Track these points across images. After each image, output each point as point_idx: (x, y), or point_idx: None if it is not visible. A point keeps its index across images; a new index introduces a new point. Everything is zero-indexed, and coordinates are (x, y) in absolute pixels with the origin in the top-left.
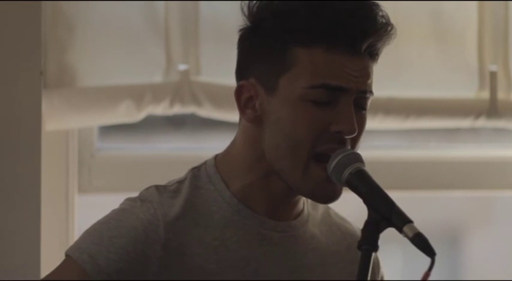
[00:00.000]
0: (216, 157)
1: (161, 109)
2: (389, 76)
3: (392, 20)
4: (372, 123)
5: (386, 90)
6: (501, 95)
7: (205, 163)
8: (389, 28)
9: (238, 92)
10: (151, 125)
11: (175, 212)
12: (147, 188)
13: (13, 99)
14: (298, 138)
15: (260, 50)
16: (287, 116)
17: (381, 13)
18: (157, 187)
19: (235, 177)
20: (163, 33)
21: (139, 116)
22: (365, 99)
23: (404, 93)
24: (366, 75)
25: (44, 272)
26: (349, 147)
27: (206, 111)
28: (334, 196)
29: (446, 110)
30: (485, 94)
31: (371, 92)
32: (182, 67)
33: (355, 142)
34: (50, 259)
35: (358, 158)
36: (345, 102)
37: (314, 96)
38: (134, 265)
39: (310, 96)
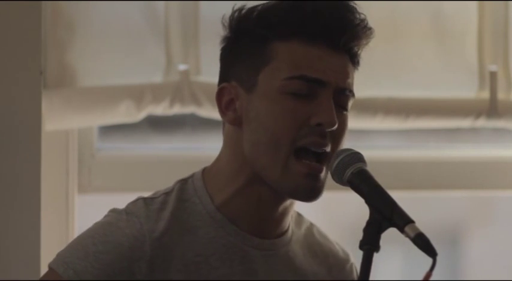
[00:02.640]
0: (204, 169)
1: (161, 109)
2: (389, 76)
3: (392, 20)
4: (372, 123)
5: (386, 90)
6: (501, 95)
7: (193, 175)
8: (366, 27)
9: (219, 95)
10: (151, 125)
11: (161, 228)
12: (135, 201)
13: (13, 99)
14: (278, 131)
15: (240, 51)
16: (266, 110)
17: (356, 12)
18: (144, 200)
19: (220, 189)
20: (163, 33)
21: (139, 116)
22: (345, 97)
23: (404, 93)
24: (345, 72)
25: (44, 272)
26: (329, 144)
27: (206, 111)
28: (315, 194)
29: (446, 110)
30: (485, 94)
31: (351, 91)
32: (182, 67)
33: (337, 141)
34: (50, 259)
35: (360, 158)
36: (325, 96)
37: (293, 87)
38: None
39: (289, 88)
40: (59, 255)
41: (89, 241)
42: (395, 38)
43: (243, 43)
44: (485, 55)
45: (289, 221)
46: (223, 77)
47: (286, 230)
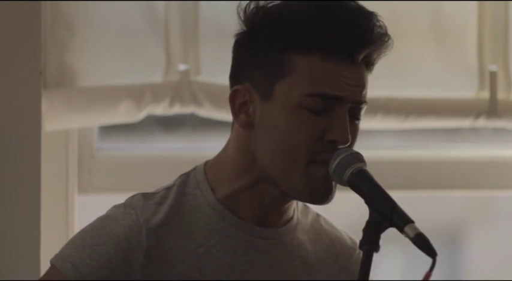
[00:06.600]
0: (206, 163)
1: (161, 109)
2: (389, 76)
3: (392, 20)
4: (372, 123)
5: (386, 90)
6: (501, 95)
7: (195, 169)
8: (386, 38)
9: (233, 96)
10: (151, 125)
11: (158, 219)
12: (134, 195)
13: (13, 99)
14: (294, 144)
15: (257, 56)
16: (284, 123)
17: (378, 23)
18: (144, 194)
19: (223, 183)
20: (163, 33)
21: (139, 116)
22: (359, 109)
23: (404, 93)
24: (362, 85)
25: (44, 272)
26: None
27: (206, 111)
28: (330, 196)
29: (446, 110)
30: (485, 94)
31: (365, 102)
32: (182, 67)
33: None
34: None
35: (360, 158)
36: (340, 111)
37: (310, 104)
38: (117, 272)
39: (307, 104)
40: (59, 251)
41: (88, 235)
42: (395, 38)
43: (261, 48)
44: (485, 55)
45: (294, 209)
46: (237, 76)
47: (291, 218)
